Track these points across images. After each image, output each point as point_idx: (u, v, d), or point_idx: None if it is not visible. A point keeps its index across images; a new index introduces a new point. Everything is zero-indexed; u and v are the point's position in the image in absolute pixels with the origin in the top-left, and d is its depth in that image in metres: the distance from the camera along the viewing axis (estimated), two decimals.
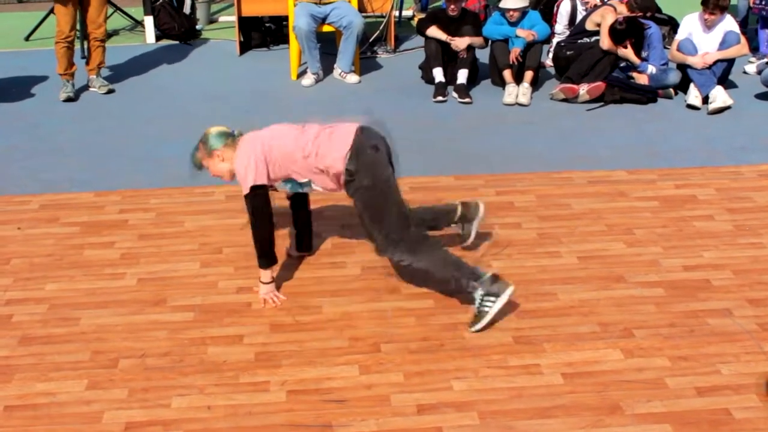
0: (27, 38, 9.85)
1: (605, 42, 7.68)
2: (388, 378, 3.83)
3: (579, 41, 7.97)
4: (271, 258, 4.43)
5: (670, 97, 7.73)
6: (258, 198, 4.28)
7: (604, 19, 7.77)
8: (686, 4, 9.36)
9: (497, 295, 4.14)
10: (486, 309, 4.15)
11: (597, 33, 7.80)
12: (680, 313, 4.33)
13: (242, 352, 4.05)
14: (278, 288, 4.55)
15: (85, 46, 8.17)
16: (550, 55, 8.49)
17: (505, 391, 3.74)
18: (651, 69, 7.71)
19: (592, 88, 7.52)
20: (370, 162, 4.24)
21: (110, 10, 8.98)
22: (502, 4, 7.93)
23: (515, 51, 7.77)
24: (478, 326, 4.16)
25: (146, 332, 4.22)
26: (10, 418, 3.61)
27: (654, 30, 7.86)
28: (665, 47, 8.14)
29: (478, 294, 4.17)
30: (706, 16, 7.69)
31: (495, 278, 4.18)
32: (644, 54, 7.82)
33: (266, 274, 4.46)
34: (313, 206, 5.39)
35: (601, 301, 4.44)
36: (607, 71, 7.69)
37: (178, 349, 4.07)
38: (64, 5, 7.46)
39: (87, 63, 7.97)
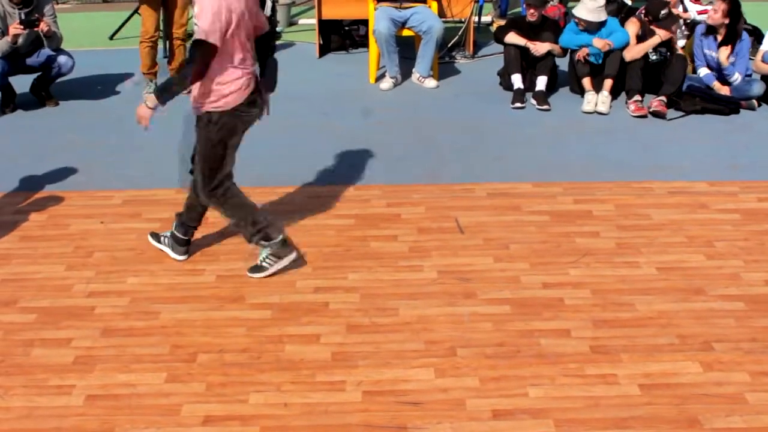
0: (111, 37, 10.07)
1: (631, 51, 7.68)
2: (463, 382, 3.83)
3: None
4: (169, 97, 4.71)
5: (753, 109, 7.60)
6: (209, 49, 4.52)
7: (628, 28, 7.81)
8: None
9: (280, 258, 4.71)
10: (266, 266, 4.72)
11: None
12: (762, 328, 4.26)
13: (319, 351, 4.08)
14: (352, 289, 4.61)
15: (167, 46, 8.32)
16: None
17: (582, 399, 3.71)
18: (737, 76, 7.58)
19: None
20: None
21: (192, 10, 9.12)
22: (575, 11, 7.83)
23: (584, 50, 7.68)
24: (255, 275, 4.73)
25: (225, 328, 4.28)
26: (92, 407, 3.70)
27: (744, 40, 7.71)
28: (750, 58, 7.99)
29: (265, 252, 4.71)
30: None
31: (284, 243, 4.72)
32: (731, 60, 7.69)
33: (153, 100, 4.69)
34: (388, 208, 5.44)
35: (680, 313, 4.38)
36: (680, 80, 7.58)
37: (255, 346, 4.12)
38: (149, 6, 7.62)
39: (169, 62, 8.11)
